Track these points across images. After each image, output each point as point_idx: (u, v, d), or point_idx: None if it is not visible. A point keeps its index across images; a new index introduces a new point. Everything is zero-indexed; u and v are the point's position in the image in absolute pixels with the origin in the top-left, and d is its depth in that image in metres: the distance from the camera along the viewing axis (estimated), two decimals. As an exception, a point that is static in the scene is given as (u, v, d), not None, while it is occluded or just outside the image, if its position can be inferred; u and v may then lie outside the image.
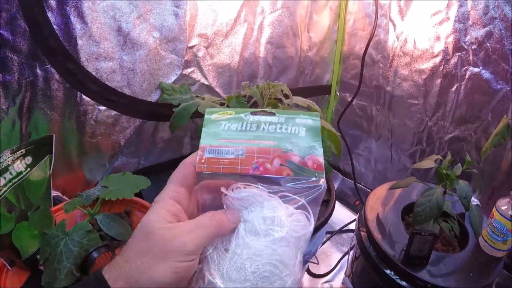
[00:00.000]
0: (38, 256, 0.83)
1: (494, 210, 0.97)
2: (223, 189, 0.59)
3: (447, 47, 1.29)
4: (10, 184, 0.81)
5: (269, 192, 0.59)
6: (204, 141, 0.62)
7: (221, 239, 0.58)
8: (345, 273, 1.28)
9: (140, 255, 0.53)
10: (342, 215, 1.61)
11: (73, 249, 0.80)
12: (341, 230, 1.51)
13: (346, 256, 1.37)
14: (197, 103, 1.12)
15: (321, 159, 0.60)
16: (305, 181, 0.58)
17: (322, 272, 1.33)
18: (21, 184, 0.84)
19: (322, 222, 1.06)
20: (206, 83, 1.34)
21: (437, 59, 1.33)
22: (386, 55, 1.50)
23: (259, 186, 0.59)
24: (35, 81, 1.01)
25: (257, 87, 1.13)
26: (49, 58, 1.00)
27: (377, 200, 1.14)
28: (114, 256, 0.83)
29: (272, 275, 0.56)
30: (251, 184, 0.59)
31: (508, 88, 1.17)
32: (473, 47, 1.22)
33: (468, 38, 1.23)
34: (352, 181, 1.68)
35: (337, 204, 1.65)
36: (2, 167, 0.80)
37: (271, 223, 0.58)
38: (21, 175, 0.84)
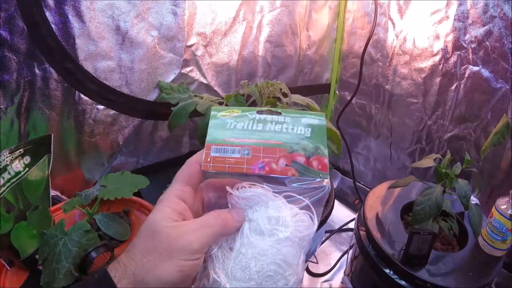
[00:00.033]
0: (37, 256, 0.83)
1: (493, 209, 0.97)
2: (228, 188, 0.60)
3: (446, 46, 1.29)
4: (9, 184, 0.81)
5: (274, 192, 0.60)
6: (210, 140, 0.62)
7: (225, 238, 0.59)
8: (345, 272, 1.28)
9: (146, 253, 0.53)
10: (341, 214, 1.61)
11: (72, 249, 0.80)
12: (341, 229, 1.50)
13: (346, 255, 1.36)
14: (196, 102, 1.11)
15: (326, 160, 0.60)
16: (310, 182, 0.59)
17: (321, 271, 1.33)
18: (20, 184, 0.84)
19: (321, 221, 1.05)
20: (205, 82, 1.33)
21: (437, 58, 1.33)
22: (385, 54, 1.50)
23: (264, 186, 0.60)
24: (33, 80, 1.01)
25: (256, 86, 1.13)
26: (47, 57, 1.00)
27: (377, 199, 1.14)
28: (113, 256, 0.83)
29: (276, 275, 0.57)
30: (256, 183, 0.60)
31: (507, 87, 1.17)
32: (473, 45, 1.22)
33: (467, 36, 1.23)
34: (352, 180, 1.68)
35: (337, 203, 1.66)
36: (1, 167, 0.80)
37: (276, 223, 0.59)
38: (20, 175, 0.84)
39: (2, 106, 1.00)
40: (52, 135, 0.92)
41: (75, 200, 0.94)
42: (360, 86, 1.58)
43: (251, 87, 1.13)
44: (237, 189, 0.60)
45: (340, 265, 1.36)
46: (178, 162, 1.40)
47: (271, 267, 0.56)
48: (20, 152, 0.84)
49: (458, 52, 1.26)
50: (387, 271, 0.94)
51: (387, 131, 1.59)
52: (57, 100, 1.06)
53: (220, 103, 1.17)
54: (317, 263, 1.35)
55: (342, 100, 1.76)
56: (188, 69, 1.27)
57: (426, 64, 1.36)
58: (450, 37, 1.27)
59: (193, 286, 0.58)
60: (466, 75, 1.26)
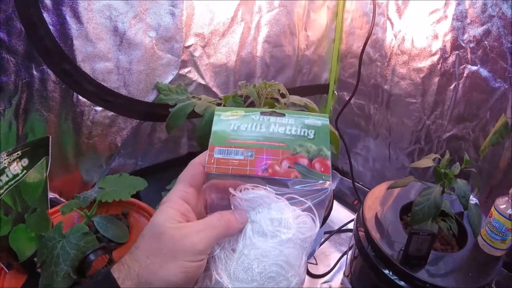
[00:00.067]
0: (35, 259, 0.83)
1: (492, 209, 0.96)
2: (231, 190, 0.60)
3: (445, 46, 1.28)
4: (7, 186, 0.81)
5: (276, 194, 0.60)
6: (213, 141, 0.62)
7: (228, 239, 0.59)
8: (344, 273, 1.27)
9: (150, 255, 0.54)
10: (340, 214, 1.61)
11: (70, 252, 0.79)
12: (340, 230, 1.50)
13: (345, 256, 1.36)
14: (194, 103, 1.11)
15: (328, 162, 0.61)
16: (312, 184, 0.59)
17: (321, 272, 1.32)
18: (18, 186, 0.84)
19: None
20: (203, 83, 1.33)
21: (435, 58, 1.32)
22: (384, 54, 1.50)
23: (267, 188, 0.60)
24: (31, 82, 1.01)
25: (254, 87, 1.13)
26: (45, 59, 1.00)
27: (375, 200, 1.14)
28: (112, 258, 0.83)
29: (278, 276, 0.57)
30: (259, 185, 0.60)
31: (506, 86, 1.17)
32: (471, 45, 1.22)
33: (466, 36, 1.22)
34: (350, 181, 1.68)
35: (336, 203, 1.65)
36: (-1, 169, 0.79)
37: (278, 225, 0.59)
38: (18, 177, 0.84)
39: (0, 108, 0.99)
40: (50, 137, 0.92)
41: (73, 203, 0.94)
42: (359, 86, 1.57)
43: (249, 88, 1.13)
44: (240, 190, 0.61)
45: (340, 266, 1.36)
46: (176, 163, 1.40)
47: (273, 268, 0.57)
48: (18, 154, 0.84)
49: (457, 52, 1.26)
50: (386, 272, 0.94)
51: (386, 131, 1.59)
52: (55, 102, 1.06)
53: (218, 104, 1.16)
54: (316, 264, 1.34)
55: (340, 100, 1.76)
56: (186, 70, 1.27)
57: (425, 64, 1.36)
58: (449, 37, 1.26)
59: (195, 287, 0.58)
60: (464, 75, 1.26)
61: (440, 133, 1.39)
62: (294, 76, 1.61)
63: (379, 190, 1.18)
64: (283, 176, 0.59)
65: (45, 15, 0.97)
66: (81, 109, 1.10)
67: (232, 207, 0.61)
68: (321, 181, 0.59)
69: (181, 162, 1.40)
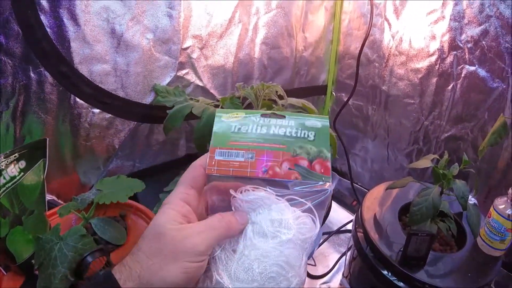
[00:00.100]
0: (33, 261, 0.82)
1: (491, 209, 0.96)
2: (232, 191, 0.61)
3: (442, 46, 1.28)
4: (4, 188, 0.80)
5: (276, 195, 0.61)
6: (214, 143, 0.63)
7: (229, 240, 0.60)
8: (343, 274, 1.27)
9: (151, 256, 0.54)
10: (339, 215, 1.60)
11: (67, 254, 0.79)
12: (339, 231, 1.50)
13: (344, 257, 1.36)
14: (191, 105, 1.11)
15: (328, 163, 0.62)
16: (312, 185, 0.60)
17: (320, 273, 1.32)
18: (15, 188, 0.83)
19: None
20: (200, 84, 1.33)
21: (433, 58, 1.32)
22: (381, 55, 1.50)
23: (267, 189, 0.61)
24: (28, 84, 1.01)
25: (252, 88, 1.13)
26: (42, 61, 1.00)
27: (374, 200, 1.13)
28: (109, 260, 0.83)
29: (279, 276, 0.58)
30: (260, 186, 0.61)
31: (504, 86, 1.17)
32: (469, 45, 1.22)
33: (463, 36, 1.22)
34: (349, 181, 1.68)
35: (334, 204, 1.65)
36: (-4, 172, 0.79)
37: (279, 226, 0.60)
38: (15, 180, 0.83)
39: (-3, 111, 1.00)
40: (47, 139, 0.92)
41: (71, 205, 0.93)
42: (357, 87, 1.57)
43: (247, 89, 1.13)
44: (241, 192, 0.61)
45: (339, 266, 1.35)
46: (174, 165, 1.40)
47: (273, 269, 0.58)
48: (15, 156, 0.83)
49: (455, 52, 1.26)
50: (385, 272, 0.94)
51: (384, 132, 1.59)
52: (53, 104, 1.06)
53: (216, 106, 1.16)
54: (315, 265, 1.34)
55: (338, 102, 1.76)
56: (183, 71, 1.27)
57: (423, 64, 1.36)
58: (446, 37, 1.26)
59: None
60: (462, 75, 1.26)
61: (438, 134, 1.39)
62: (292, 78, 1.61)
63: (378, 191, 1.17)
64: (284, 178, 0.60)
65: (42, 17, 0.96)
66: (78, 111, 1.10)
67: (232, 208, 0.62)
68: (321, 182, 0.60)
69: (179, 164, 1.41)
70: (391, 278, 0.93)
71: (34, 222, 0.88)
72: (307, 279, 1.31)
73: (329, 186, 0.60)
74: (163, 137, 1.33)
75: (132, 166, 1.31)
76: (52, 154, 1.07)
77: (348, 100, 1.61)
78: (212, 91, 1.37)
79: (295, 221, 0.61)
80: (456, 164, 1.03)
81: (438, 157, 1.09)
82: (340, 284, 1.25)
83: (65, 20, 0.99)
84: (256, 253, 0.58)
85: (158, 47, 1.18)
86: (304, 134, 0.65)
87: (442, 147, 1.39)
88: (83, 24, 1.02)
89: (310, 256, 1.08)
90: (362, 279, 1.11)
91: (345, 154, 1.65)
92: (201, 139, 1.06)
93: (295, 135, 0.64)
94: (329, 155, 0.62)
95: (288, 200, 0.61)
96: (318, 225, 0.63)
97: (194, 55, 1.27)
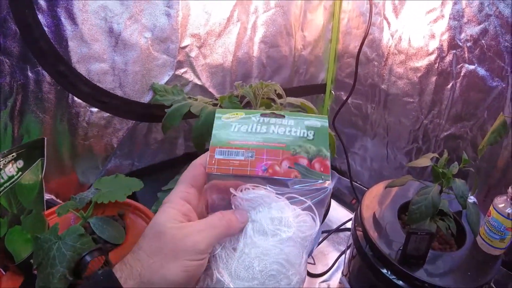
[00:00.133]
0: (31, 261, 0.82)
1: (491, 208, 0.96)
2: (232, 190, 0.61)
3: (442, 45, 1.28)
4: (2, 188, 0.80)
5: (276, 193, 0.61)
6: (214, 142, 0.63)
7: (229, 238, 0.60)
8: (342, 272, 1.27)
9: (152, 254, 0.55)
10: (338, 214, 1.60)
11: (66, 253, 0.79)
12: (338, 229, 1.50)
13: (343, 255, 1.36)
14: (190, 104, 1.11)
15: (328, 162, 0.62)
16: (312, 183, 0.61)
17: (319, 271, 1.32)
18: (13, 188, 0.83)
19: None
20: (199, 83, 1.33)
21: (432, 57, 1.32)
22: (380, 53, 1.50)
23: (267, 188, 0.61)
24: (26, 83, 1.00)
25: (250, 87, 1.13)
26: (40, 60, 1.00)
27: (373, 199, 1.13)
28: (108, 259, 0.82)
29: (279, 274, 0.58)
30: (260, 185, 0.61)
31: (503, 85, 1.16)
32: (468, 44, 1.22)
33: (463, 35, 1.22)
34: (348, 180, 1.68)
35: (334, 203, 1.65)
36: (-6, 171, 0.79)
37: (279, 224, 0.60)
38: (13, 179, 0.83)
39: (-5, 110, 0.99)
40: (45, 138, 0.91)
41: (69, 204, 0.93)
42: (356, 86, 1.57)
43: (245, 88, 1.12)
44: (241, 190, 0.62)
45: (338, 265, 1.35)
46: (173, 164, 1.40)
47: (274, 267, 0.58)
48: (13, 156, 0.83)
49: (454, 51, 1.26)
50: (384, 271, 0.94)
51: (383, 130, 1.59)
52: (50, 103, 1.05)
53: (214, 105, 1.16)
54: (314, 264, 1.34)
55: (338, 100, 1.76)
56: (182, 70, 1.27)
57: (422, 63, 1.36)
58: (446, 36, 1.26)
59: (197, 286, 0.59)
60: (462, 74, 1.26)
61: (437, 132, 1.39)
62: (291, 76, 1.61)
63: (377, 190, 1.17)
64: (283, 176, 0.61)
65: (40, 16, 0.96)
66: (76, 110, 1.10)
67: (233, 206, 0.62)
68: (320, 181, 0.60)
69: (177, 163, 1.40)
70: (390, 277, 0.92)
71: (32, 221, 0.88)
72: (307, 277, 1.31)
73: (329, 184, 0.60)
74: (162, 136, 1.33)
75: (131, 165, 1.31)
76: (51, 153, 1.06)
77: (347, 98, 1.61)
78: (210, 90, 1.37)
79: (295, 219, 0.61)
80: (456, 163, 1.02)
81: (437, 156, 1.09)
82: (340, 283, 1.25)
83: (62, 19, 0.99)
84: (256, 251, 0.58)
85: (156, 46, 1.18)
86: (304, 133, 0.65)
87: (442, 145, 1.39)
88: (80, 23, 1.02)
89: (310, 254, 1.08)
90: (361, 278, 1.11)
91: (345, 153, 1.65)
92: (199, 138, 1.06)
93: (294, 134, 0.65)
94: (328, 154, 0.63)
95: (288, 198, 0.62)
96: (318, 223, 0.63)
97: (193, 54, 1.27)
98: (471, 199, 1.02)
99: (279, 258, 0.58)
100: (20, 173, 0.85)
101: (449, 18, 1.23)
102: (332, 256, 1.38)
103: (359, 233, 1.04)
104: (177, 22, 1.18)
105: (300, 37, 1.56)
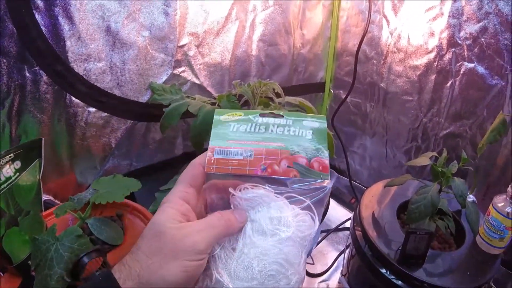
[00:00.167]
0: (29, 262, 0.82)
1: (490, 207, 0.96)
2: (231, 190, 0.62)
3: (441, 43, 1.28)
4: (-1, 189, 0.80)
5: (275, 193, 0.62)
6: (213, 142, 0.64)
7: (228, 238, 0.60)
8: (341, 272, 1.27)
9: (151, 255, 0.55)
10: (337, 213, 1.60)
11: (63, 254, 0.79)
12: (337, 229, 1.50)
13: (342, 255, 1.36)
14: (188, 103, 1.11)
15: (326, 161, 0.63)
16: (311, 183, 0.61)
17: (318, 271, 1.32)
18: (11, 189, 0.83)
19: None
20: (197, 82, 1.32)
21: (431, 55, 1.32)
22: (380, 52, 1.49)
23: (266, 187, 0.62)
24: (24, 83, 1.00)
25: (248, 86, 1.12)
26: (37, 60, 0.99)
27: (372, 198, 1.13)
28: (106, 261, 0.82)
29: (278, 274, 0.58)
30: (259, 184, 0.62)
31: (503, 83, 1.16)
32: (468, 42, 1.21)
33: (462, 33, 1.22)
34: (347, 179, 1.67)
35: (333, 202, 1.65)
36: (-9, 172, 0.79)
37: (278, 223, 0.60)
38: (10, 180, 0.83)
39: (-8, 110, 0.99)
40: (43, 139, 0.91)
41: (67, 205, 0.93)
42: (355, 85, 1.57)
43: (244, 87, 1.12)
44: (240, 190, 0.62)
45: (337, 264, 1.35)
46: (171, 164, 1.40)
47: (273, 267, 0.58)
48: (10, 157, 0.83)
49: (453, 49, 1.25)
50: (383, 271, 0.94)
51: (383, 129, 1.59)
52: (48, 103, 1.05)
53: (213, 104, 1.16)
54: (313, 264, 1.34)
55: (337, 99, 1.76)
56: (180, 69, 1.26)
57: (421, 61, 1.35)
58: (445, 34, 1.26)
59: (196, 287, 0.59)
60: (461, 72, 1.26)
61: (437, 131, 1.39)
62: (290, 75, 1.61)
63: (376, 189, 1.17)
64: (282, 175, 0.61)
65: (37, 16, 0.96)
66: (74, 110, 1.09)
67: (232, 206, 0.62)
68: (319, 180, 0.61)
69: (176, 163, 1.40)
70: (389, 277, 0.92)
71: (30, 222, 0.88)
72: (306, 277, 1.31)
73: (328, 183, 0.61)
74: (160, 135, 1.32)
75: (129, 165, 1.30)
76: (49, 154, 1.06)
77: (346, 97, 1.61)
78: (209, 89, 1.36)
79: (294, 218, 0.61)
80: (455, 161, 1.02)
81: (436, 155, 1.09)
82: (339, 283, 1.25)
83: (60, 18, 0.99)
84: (255, 251, 0.58)
85: (154, 45, 1.17)
86: (302, 133, 0.66)
87: (441, 144, 1.39)
88: (78, 23, 1.01)
89: (309, 254, 1.08)
90: (360, 278, 1.11)
91: (344, 152, 1.65)
92: (197, 137, 1.06)
93: (293, 133, 0.65)
94: (327, 153, 0.63)
95: (287, 198, 0.62)
96: (317, 222, 0.63)
97: (191, 53, 1.26)
98: (470, 198, 1.02)
99: (278, 258, 0.58)
100: (17, 174, 0.84)
101: (449, 16, 1.23)
102: (331, 256, 1.38)
103: (358, 232, 1.04)
104: (175, 20, 1.18)
105: (299, 35, 1.56)
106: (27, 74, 1.00)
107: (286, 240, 0.59)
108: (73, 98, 1.08)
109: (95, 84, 1.10)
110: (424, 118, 1.41)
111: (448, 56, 1.27)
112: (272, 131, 0.65)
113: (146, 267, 0.53)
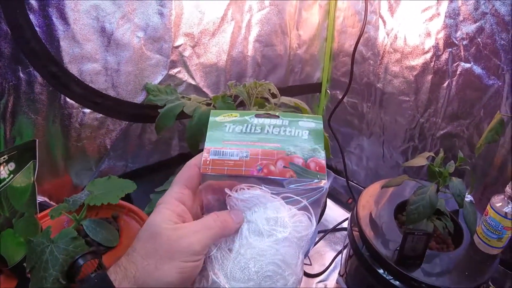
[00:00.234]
0: (25, 264, 0.81)
1: (488, 207, 0.95)
2: (227, 190, 0.62)
3: (438, 43, 1.28)
4: (-7, 191, 0.80)
5: (272, 194, 0.62)
6: (209, 143, 0.64)
7: (224, 239, 0.60)
8: (339, 272, 1.26)
9: (147, 256, 0.55)
10: (335, 213, 1.60)
11: (58, 257, 0.78)
12: (334, 229, 1.49)
13: (340, 255, 1.35)
14: (183, 104, 1.10)
15: (323, 161, 0.63)
16: (307, 183, 0.61)
17: (316, 271, 1.32)
18: (5, 191, 0.82)
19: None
20: (193, 83, 1.32)
21: (428, 55, 1.32)
22: (376, 52, 1.49)
23: (263, 188, 0.62)
24: (18, 85, 0.99)
25: (244, 86, 1.12)
26: (31, 61, 0.99)
27: (370, 199, 1.13)
28: (101, 263, 0.82)
29: (275, 275, 0.58)
30: (255, 185, 0.62)
31: (499, 84, 1.16)
32: (464, 42, 1.21)
33: (459, 33, 1.22)
34: (344, 179, 1.67)
35: (330, 202, 1.65)
36: (-15, 174, 0.78)
37: (274, 224, 0.60)
38: (4, 182, 0.82)
39: (-14, 112, 0.98)
40: (37, 140, 0.90)
41: (62, 206, 0.92)
42: (352, 85, 1.57)
43: (239, 87, 1.12)
44: (236, 191, 0.62)
45: (335, 265, 1.35)
46: (167, 165, 1.39)
47: (270, 267, 0.58)
48: (4, 158, 0.82)
49: (450, 49, 1.25)
50: (381, 271, 0.93)
51: (379, 129, 1.59)
52: (43, 104, 1.05)
53: (208, 104, 1.15)
54: (310, 265, 1.34)
55: (333, 99, 1.75)
56: (175, 70, 1.26)
57: (418, 61, 1.35)
58: (442, 34, 1.26)
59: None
60: (458, 72, 1.25)
61: (434, 131, 1.39)
62: (286, 76, 1.61)
63: (373, 189, 1.17)
64: (279, 176, 0.61)
65: (31, 16, 0.95)
66: (69, 112, 1.09)
67: (228, 207, 0.62)
68: (316, 180, 0.60)
69: (172, 164, 1.40)
70: (387, 277, 0.92)
71: (25, 224, 0.87)
72: (303, 277, 1.31)
73: (325, 183, 0.60)
74: (156, 136, 1.32)
75: (125, 166, 1.30)
76: (43, 155, 1.06)
77: (343, 97, 1.60)
78: (204, 89, 1.36)
79: (291, 219, 0.61)
80: (452, 162, 1.02)
81: (433, 155, 1.09)
82: (336, 283, 1.25)
83: (54, 19, 0.98)
84: (252, 252, 0.58)
85: (149, 45, 1.17)
86: (298, 133, 0.66)
87: (438, 144, 1.39)
88: (72, 23, 1.01)
89: (306, 254, 1.07)
90: (358, 278, 1.10)
91: (341, 152, 1.65)
92: (193, 138, 1.05)
93: (289, 134, 0.65)
94: (323, 153, 0.63)
95: (283, 198, 0.62)
96: (314, 223, 0.63)
97: (186, 53, 1.26)
98: (468, 198, 1.02)
99: (275, 258, 0.58)
100: (11, 175, 0.84)
101: (445, 16, 1.23)
102: (329, 256, 1.38)
103: (356, 233, 1.04)
104: (170, 21, 1.17)
105: (295, 36, 1.56)
106: (21, 75, 0.99)
107: (283, 240, 0.59)
108: (68, 99, 1.07)
109: (90, 85, 1.09)
110: (421, 118, 1.41)
111: (444, 56, 1.27)
112: (268, 131, 0.65)
113: (142, 268, 0.53)
